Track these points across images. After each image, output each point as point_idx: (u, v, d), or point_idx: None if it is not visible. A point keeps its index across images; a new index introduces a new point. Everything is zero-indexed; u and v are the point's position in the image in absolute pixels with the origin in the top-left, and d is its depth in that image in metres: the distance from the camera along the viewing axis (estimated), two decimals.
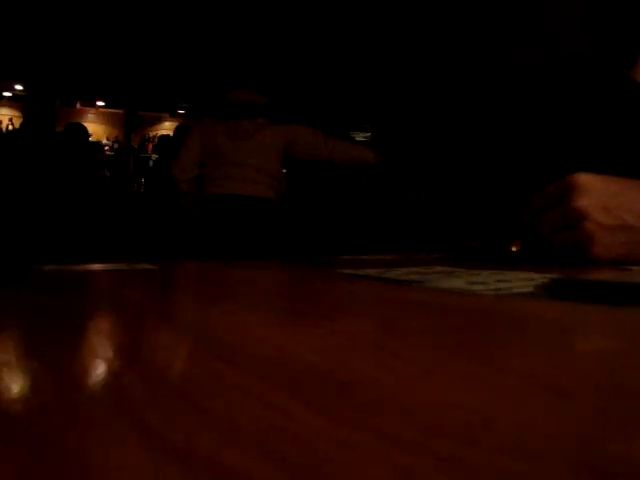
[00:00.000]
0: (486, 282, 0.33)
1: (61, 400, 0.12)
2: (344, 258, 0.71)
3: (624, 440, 0.09)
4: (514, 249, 0.75)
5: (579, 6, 0.93)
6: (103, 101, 4.62)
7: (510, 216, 0.72)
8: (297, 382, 0.13)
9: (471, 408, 0.11)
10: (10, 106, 4.38)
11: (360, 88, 4.14)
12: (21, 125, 3.23)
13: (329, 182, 2.81)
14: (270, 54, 2.63)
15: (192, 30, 3.39)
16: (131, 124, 4.62)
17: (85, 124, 3.27)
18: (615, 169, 0.55)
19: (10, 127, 4.27)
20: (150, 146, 4.72)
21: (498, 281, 0.34)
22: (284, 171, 2.01)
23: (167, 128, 4.74)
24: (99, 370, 0.15)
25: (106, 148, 4.54)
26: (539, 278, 0.36)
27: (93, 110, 4.66)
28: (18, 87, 4.34)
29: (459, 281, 0.34)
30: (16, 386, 0.13)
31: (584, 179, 0.54)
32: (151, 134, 4.79)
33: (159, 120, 4.88)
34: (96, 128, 4.58)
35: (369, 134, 4.97)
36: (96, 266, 0.54)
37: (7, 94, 4.36)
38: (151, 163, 4.49)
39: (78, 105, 4.60)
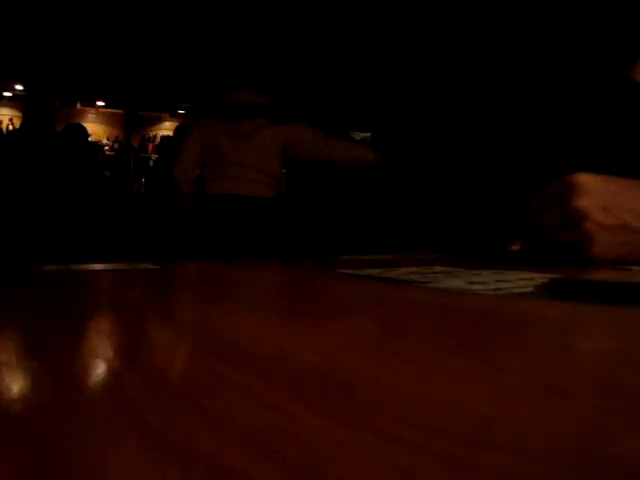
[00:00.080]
0: (486, 282, 0.33)
1: (61, 400, 0.12)
2: (344, 258, 0.71)
3: (624, 440, 0.09)
4: (514, 249, 0.75)
5: (579, 6, 0.93)
6: (103, 101, 4.61)
7: (510, 216, 0.72)
8: (297, 382, 0.13)
9: (471, 408, 0.11)
10: (10, 106, 4.38)
11: (360, 88, 4.14)
12: (21, 125, 3.23)
13: (329, 182, 2.81)
14: (270, 54, 2.63)
15: (192, 30, 3.39)
16: (131, 124, 4.62)
17: (85, 124, 3.27)
18: (615, 169, 0.55)
19: (10, 127, 4.28)
20: (150, 146, 4.72)
21: (498, 281, 0.34)
22: (284, 171, 2.01)
23: (167, 128, 4.74)
24: (99, 370, 0.15)
25: (106, 148, 4.54)
26: (539, 278, 0.36)
27: (93, 110, 4.66)
28: (18, 87, 4.34)
29: (459, 281, 0.34)
30: (16, 386, 0.13)
31: (584, 179, 0.54)
32: (151, 134, 4.79)
33: (159, 120, 4.88)
34: (96, 128, 4.58)
35: (369, 134, 4.97)
36: (96, 266, 0.54)
37: (7, 94, 4.36)
38: (151, 163, 4.49)
39: (78, 105, 4.60)
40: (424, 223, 2.36)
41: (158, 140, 4.57)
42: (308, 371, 0.14)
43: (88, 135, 3.14)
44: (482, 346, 0.18)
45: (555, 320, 0.23)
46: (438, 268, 0.46)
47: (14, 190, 2.33)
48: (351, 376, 0.13)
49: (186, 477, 0.08)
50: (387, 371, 0.14)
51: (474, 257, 0.73)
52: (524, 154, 0.86)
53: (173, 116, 4.86)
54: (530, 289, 0.31)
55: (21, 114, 4.31)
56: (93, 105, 4.64)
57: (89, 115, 4.64)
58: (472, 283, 0.33)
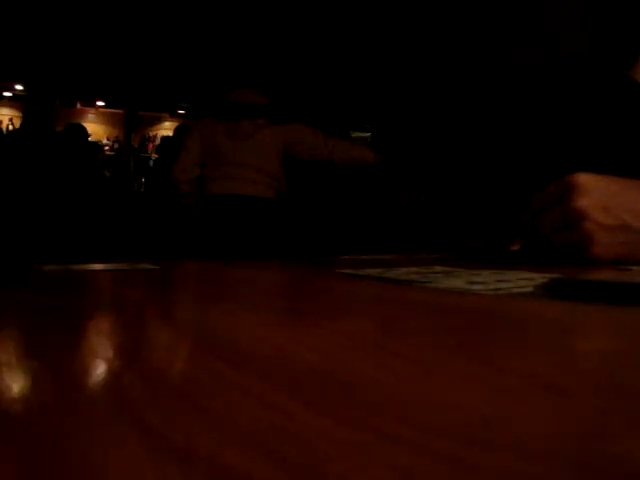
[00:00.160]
0: (486, 282, 0.33)
1: (61, 400, 0.12)
2: (344, 258, 0.71)
3: (624, 440, 0.09)
4: (514, 249, 0.75)
5: (579, 6, 0.93)
6: (103, 101, 4.61)
7: (510, 216, 0.72)
8: (297, 382, 0.13)
9: (471, 408, 0.11)
10: (10, 106, 4.38)
11: (360, 88, 4.14)
12: (21, 125, 3.23)
13: (329, 182, 2.81)
14: (270, 54, 2.63)
15: (192, 30, 3.39)
16: (131, 124, 4.62)
17: (85, 124, 3.27)
18: (615, 169, 0.55)
19: (10, 127, 4.28)
20: (150, 146, 4.72)
21: (498, 281, 0.34)
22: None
23: (167, 128, 4.74)
24: (99, 370, 0.15)
25: (106, 148, 4.55)
26: (539, 278, 0.36)
27: (93, 110, 4.66)
28: (18, 87, 4.34)
29: (459, 281, 0.34)
30: (16, 386, 0.13)
31: (584, 179, 0.54)
32: (151, 134, 4.80)
33: (159, 120, 4.88)
34: (96, 128, 4.58)
35: (369, 134, 4.97)
36: (96, 266, 0.54)
37: (7, 94, 4.36)
38: (151, 163, 4.49)
39: (78, 105, 4.60)
40: (424, 223, 2.36)
41: (158, 140, 4.57)
42: (308, 371, 0.14)
43: (88, 135, 3.14)
44: (482, 346, 0.18)
45: (555, 320, 0.23)
46: (438, 268, 0.46)
47: (14, 190, 2.33)
48: (351, 376, 0.13)
49: (186, 477, 0.08)
50: (387, 371, 0.14)
51: (474, 257, 0.73)
52: (524, 154, 0.86)
53: (173, 116, 4.86)
54: (530, 289, 0.31)
55: (21, 114, 4.31)
56: (93, 105, 4.64)
57: (89, 115, 4.64)
58: (472, 283, 0.33)
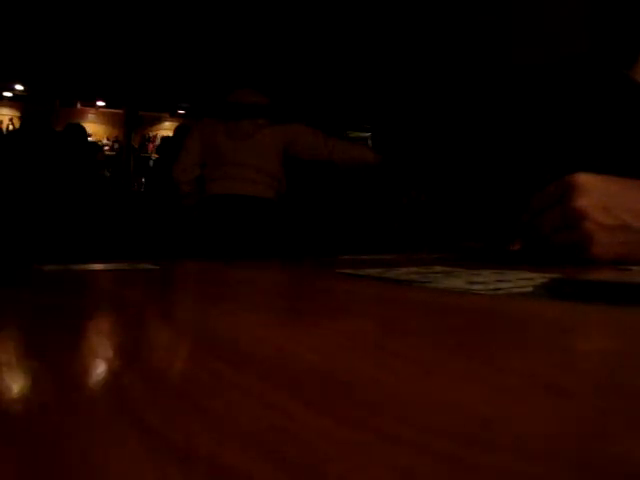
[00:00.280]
0: (486, 282, 0.33)
1: (61, 400, 0.12)
2: (344, 258, 0.72)
3: (624, 440, 0.09)
4: (514, 249, 0.75)
5: (579, 6, 0.93)
6: (103, 101, 4.61)
7: (510, 216, 0.72)
8: (297, 382, 0.13)
9: (471, 408, 0.11)
10: (10, 106, 4.38)
11: (360, 88, 4.14)
12: (20, 125, 3.23)
13: (329, 182, 2.80)
14: (270, 54, 2.63)
15: (192, 30, 3.39)
16: (131, 124, 4.62)
17: (85, 124, 3.27)
18: (615, 169, 0.55)
19: (10, 127, 4.28)
20: (150, 146, 4.72)
21: (498, 281, 0.34)
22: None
23: (167, 128, 4.74)
24: (99, 370, 0.15)
25: (106, 148, 4.54)
26: (539, 278, 0.36)
27: (93, 110, 4.66)
28: (18, 87, 4.34)
29: (459, 281, 0.34)
30: (16, 386, 0.13)
31: (584, 179, 0.54)
32: (151, 134, 4.79)
33: (159, 120, 4.88)
34: (96, 128, 4.58)
35: (369, 134, 4.97)
36: (96, 266, 0.54)
37: (7, 94, 4.36)
38: (151, 163, 4.49)
39: (78, 105, 4.60)
40: (424, 223, 2.36)
41: (158, 140, 4.57)
42: (308, 371, 0.14)
43: (87, 135, 3.14)
44: (482, 346, 0.18)
45: (555, 320, 0.23)
46: (438, 268, 0.46)
47: (14, 190, 2.33)
48: (351, 376, 0.13)
49: (186, 477, 0.08)
50: (387, 371, 0.14)
51: (474, 257, 0.73)
52: (524, 154, 0.86)
53: (173, 116, 4.86)
54: (530, 289, 0.31)
55: (21, 114, 4.31)
56: (93, 105, 4.64)
57: (89, 115, 4.64)
58: (472, 283, 0.33)
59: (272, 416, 0.10)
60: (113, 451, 0.09)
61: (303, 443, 0.09)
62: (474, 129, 2.93)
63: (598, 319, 0.24)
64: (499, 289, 0.30)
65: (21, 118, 4.02)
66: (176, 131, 3.29)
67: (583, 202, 0.52)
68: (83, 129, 3.01)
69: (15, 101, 4.37)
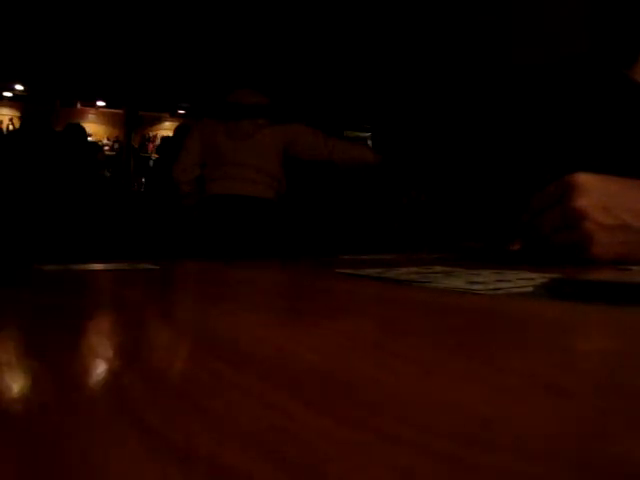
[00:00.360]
0: (486, 282, 0.33)
1: (61, 400, 0.12)
2: (344, 258, 0.72)
3: (624, 440, 0.09)
4: (514, 249, 0.75)
5: (579, 6, 0.93)
6: (103, 101, 4.62)
7: (510, 216, 0.72)
8: (297, 382, 0.13)
9: (471, 408, 0.11)
10: (10, 106, 4.38)
11: (360, 88, 4.14)
12: (20, 125, 3.23)
13: (329, 182, 2.80)
14: (270, 54, 2.63)
15: (192, 30, 3.39)
16: (131, 124, 4.62)
17: (85, 124, 3.27)
18: (615, 169, 0.55)
19: (10, 127, 4.28)
20: (150, 146, 4.72)
21: (498, 281, 0.34)
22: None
23: (167, 128, 4.74)
24: (99, 370, 0.15)
25: (106, 148, 4.54)
26: (539, 278, 0.36)
27: (93, 110, 4.66)
28: (18, 87, 4.34)
29: (459, 281, 0.34)
30: (16, 386, 0.13)
31: (583, 179, 0.54)
32: (151, 134, 4.79)
33: (159, 120, 4.88)
34: (96, 128, 4.58)
35: (369, 134, 4.97)
36: (96, 266, 0.54)
37: (7, 94, 4.36)
38: (151, 163, 4.49)
39: (78, 105, 4.60)
40: (424, 223, 2.36)
41: (158, 140, 4.57)
42: (308, 371, 0.14)
43: (87, 135, 3.14)
44: (482, 346, 0.18)
45: (555, 320, 0.23)
46: (438, 268, 0.46)
47: (14, 190, 2.33)
48: (351, 376, 0.13)
49: (186, 477, 0.08)
50: (387, 371, 0.14)
51: (474, 257, 0.73)
52: (524, 154, 0.86)
53: (173, 116, 4.86)
54: (530, 289, 0.31)
55: (21, 114, 4.31)
56: (93, 105, 4.64)
57: (89, 115, 4.64)
58: (472, 283, 0.33)
59: (272, 416, 0.10)
60: (113, 451, 0.09)
61: (303, 443, 0.09)
62: (474, 129, 2.93)
63: (598, 319, 0.24)
64: (499, 289, 0.30)
65: (21, 118, 4.01)
66: (176, 131, 3.29)
67: (583, 202, 0.52)
68: (83, 129, 3.01)
69: (15, 101, 4.38)
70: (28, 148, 2.46)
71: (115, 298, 0.34)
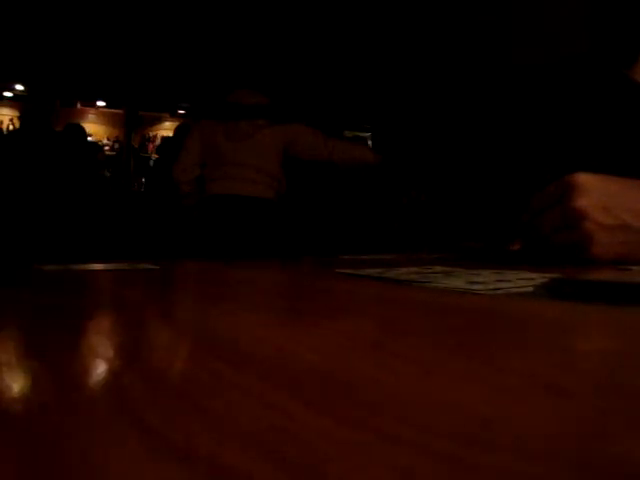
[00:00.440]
0: (486, 282, 0.33)
1: (61, 400, 0.12)
2: (344, 258, 0.72)
3: (624, 440, 0.09)
4: (514, 249, 0.75)
5: (579, 6, 0.93)
6: (103, 101, 4.61)
7: (510, 216, 0.72)
8: (297, 382, 0.13)
9: (471, 408, 0.11)
10: (10, 106, 4.38)
11: (360, 88, 4.14)
12: (20, 125, 3.23)
13: (329, 182, 2.81)
14: (270, 54, 2.63)
15: (192, 30, 3.39)
16: (131, 124, 4.62)
17: (85, 124, 3.27)
18: (615, 169, 0.55)
19: (10, 127, 4.27)
20: (150, 146, 4.72)
21: (498, 281, 0.34)
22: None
23: (167, 128, 4.74)
24: (99, 370, 0.15)
25: (106, 148, 4.54)
26: (539, 278, 0.36)
27: (93, 110, 4.66)
28: (18, 87, 4.34)
29: (459, 281, 0.34)
30: (16, 386, 0.13)
31: (583, 179, 0.54)
32: (151, 134, 4.79)
33: (159, 120, 4.88)
34: (96, 128, 4.58)
35: (369, 134, 4.97)
36: (96, 266, 0.54)
37: (7, 94, 4.36)
38: (151, 163, 4.49)
39: (78, 105, 4.60)
40: (424, 223, 2.36)
41: (158, 140, 4.57)
42: (308, 371, 0.14)
43: (87, 135, 3.14)
44: (482, 346, 0.18)
45: (555, 320, 0.23)
46: (438, 268, 0.46)
47: (14, 190, 2.33)
48: (351, 376, 0.13)
49: (186, 477, 0.08)
50: (387, 371, 0.14)
51: (474, 257, 0.73)
52: (524, 154, 0.86)
53: (173, 116, 4.85)
54: (530, 289, 0.31)
55: (21, 114, 4.30)
56: (93, 105, 4.63)
57: (89, 115, 4.64)
58: (472, 283, 0.33)
59: (272, 416, 0.10)
60: (113, 451, 0.09)
61: (303, 443, 0.09)
62: (474, 129, 2.93)
63: (598, 319, 0.24)
64: (499, 289, 0.30)
65: (21, 118, 4.01)
66: (176, 131, 3.29)
67: (583, 202, 0.52)
68: (83, 129, 3.01)
69: (15, 101, 4.37)
70: (28, 148, 2.46)
71: (115, 298, 0.34)
